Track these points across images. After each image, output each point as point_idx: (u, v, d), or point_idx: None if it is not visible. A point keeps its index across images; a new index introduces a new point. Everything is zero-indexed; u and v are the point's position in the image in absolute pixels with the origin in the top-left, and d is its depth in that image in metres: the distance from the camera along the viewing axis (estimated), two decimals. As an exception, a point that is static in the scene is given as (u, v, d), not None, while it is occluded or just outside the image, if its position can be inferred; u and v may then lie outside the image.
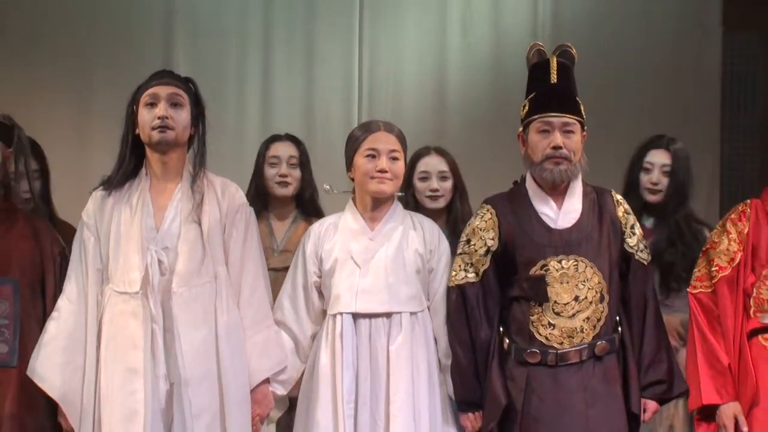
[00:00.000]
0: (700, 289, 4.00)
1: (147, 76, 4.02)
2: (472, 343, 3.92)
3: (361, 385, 3.90)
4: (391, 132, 4.02)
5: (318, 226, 4.10)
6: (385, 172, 3.95)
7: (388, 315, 3.93)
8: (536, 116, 3.91)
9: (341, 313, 3.93)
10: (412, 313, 3.95)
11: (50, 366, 3.88)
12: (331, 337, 3.94)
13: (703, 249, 4.08)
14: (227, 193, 4.00)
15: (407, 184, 4.41)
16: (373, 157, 3.96)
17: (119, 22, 6.59)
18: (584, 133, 3.95)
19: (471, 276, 3.94)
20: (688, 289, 4.02)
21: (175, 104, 3.90)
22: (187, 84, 3.99)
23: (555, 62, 3.95)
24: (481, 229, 3.95)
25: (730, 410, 3.89)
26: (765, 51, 7.00)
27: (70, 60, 6.54)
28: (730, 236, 3.99)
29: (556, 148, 3.86)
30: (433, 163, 4.49)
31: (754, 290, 3.94)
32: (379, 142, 3.97)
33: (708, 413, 3.95)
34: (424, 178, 4.47)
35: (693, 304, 3.99)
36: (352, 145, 4.02)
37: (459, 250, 4.00)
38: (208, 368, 3.84)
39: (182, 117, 3.92)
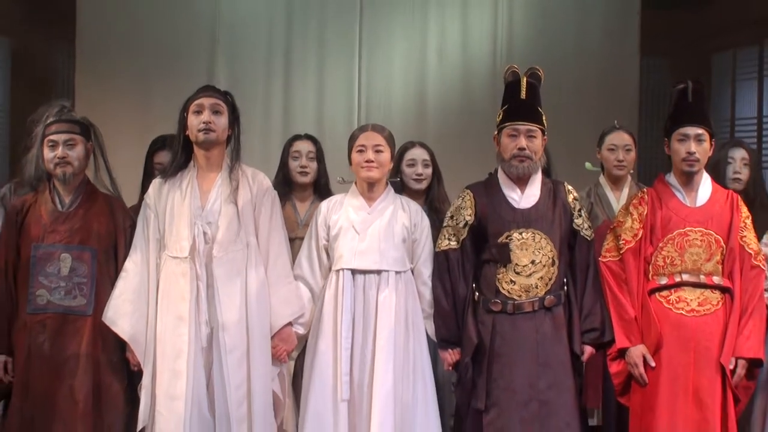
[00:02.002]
0: (610, 258, 4.01)
1: (195, 87, 4.04)
2: (454, 294, 3.95)
3: (356, 327, 3.92)
4: (378, 132, 4.05)
5: (327, 202, 4.13)
6: (371, 161, 3.98)
7: (379, 272, 3.95)
8: (507, 123, 3.94)
9: (343, 269, 3.95)
10: (397, 272, 3.97)
11: (121, 314, 3.90)
12: (334, 288, 3.96)
13: (611, 227, 4.09)
14: (257, 180, 4.02)
15: (397, 170, 4.45)
16: (362, 151, 4.00)
17: (173, 45, 6.55)
18: (545, 137, 3.98)
19: (453, 244, 3.96)
20: (599, 259, 4.02)
21: (216, 112, 3.93)
22: (226, 96, 4.02)
23: (525, 82, 3.96)
24: (462, 208, 3.98)
25: (638, 351, 3.92)
26: (674, 73, 7.03)
27: (133, 74, 6.50)
28: (633, 217, 4.00)
29: (521, 149, 3.90)
30: (417, 153, 4.52)
31: (653, 258, 3.96)
32: (366, 139, 4.01)
33: (617, 355, 3.98)
34: (411, 165, 4.50)
35: (604, 270, 3.99)
36: (350, 144, 4.07)
37: (445, 224, 4.02)
38: (239, 315, 3.86)
39: (222, 122, 3.94)
